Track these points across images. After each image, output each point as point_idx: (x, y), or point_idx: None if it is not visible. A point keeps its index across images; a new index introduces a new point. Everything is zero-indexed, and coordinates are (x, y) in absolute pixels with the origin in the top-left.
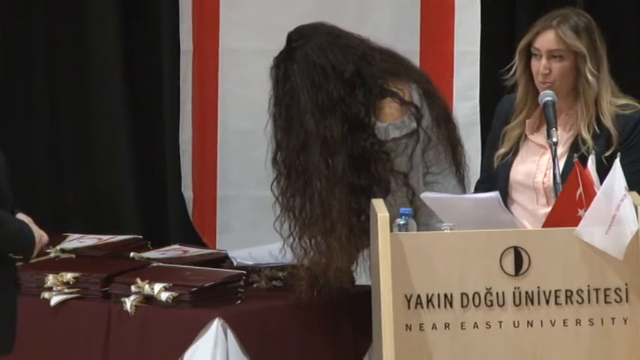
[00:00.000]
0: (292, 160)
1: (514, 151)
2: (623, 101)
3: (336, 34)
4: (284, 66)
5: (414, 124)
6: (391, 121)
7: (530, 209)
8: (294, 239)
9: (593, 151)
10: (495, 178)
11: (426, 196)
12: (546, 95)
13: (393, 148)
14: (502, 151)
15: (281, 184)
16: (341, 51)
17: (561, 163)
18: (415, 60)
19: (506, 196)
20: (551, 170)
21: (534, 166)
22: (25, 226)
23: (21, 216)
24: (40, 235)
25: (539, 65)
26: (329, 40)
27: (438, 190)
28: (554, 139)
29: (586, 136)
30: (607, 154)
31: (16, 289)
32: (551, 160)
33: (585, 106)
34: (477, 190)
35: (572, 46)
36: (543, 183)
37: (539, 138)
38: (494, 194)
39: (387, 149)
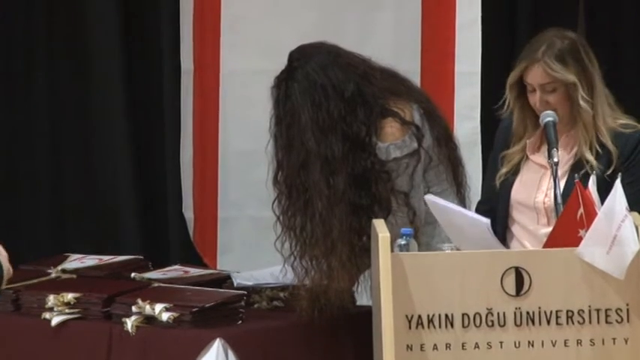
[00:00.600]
0: (293, 180)
1: (514, 171)
2: (623, 120)
3: (337, 53)
4: (285, 85)
5: (415, 144)
6: (392, 140)
7: (531, 229)
8: (295, 259)
9: (594, 172)
10: (496, 198)
11: (429, 198)
12: (547, 116)
13: (394, 167)
14: (503, 170)
15: (282, 203)
16: (342, 70)
17: (562, 184)
18: (416, 80)
19: (507, 216)
20: (552, 190)
21: (535, 186)
22: None
23: None
24: (8, 269)
25: (535, 99)
26: (330, 60)
27: None
28: (555, 159)
29: (589, 157)
30: (608, 172)
31: None
32: (551, 180)
33: (585, 128)
34: (478, 210)
35: (561, 78)
36: (544, 203)
37: (540, 158)
38: (486, 220)
39: (388, 169)
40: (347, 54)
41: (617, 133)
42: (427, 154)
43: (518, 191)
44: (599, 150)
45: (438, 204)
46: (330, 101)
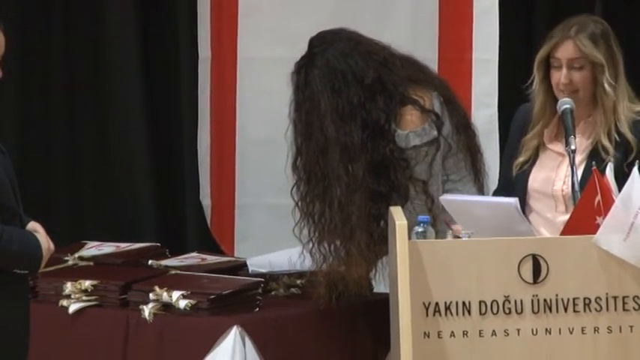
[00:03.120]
0: (312, 166)
1: (532, 160)
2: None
3: (357, 40)
4: (305, 71)
5: (435, 132)
6: (412, 128)
7: (549, 217)
8: (313, 245)
9: (612, 159)
10: (513, 185)
11: (444, 198)
12: (564, 103)
13: (413, 155)
14: (520, 159)
15: (301, 189)
16: (362, 57)
17: (580, 171)
18: (433, 68)
19: (524, 204)
20: (570, 178)
21: (553, 174)
22: (32, 239)
23: (32, 225)
24: (48, 247)
25: (559, 75)
26: (350, 46)
27: None
28: (573, 147)
29: (607, 143)
30: (627, 161)
31: (28, 300)
32: (569, 168)
33: (604, 114)
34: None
35: (590, 56)
36: (562, 191)
37: (558, 146)
38: (512, 200)
39: (407, 157)
40: (367, 41)
41: (635, 121)
42: (446, 142)
43: (536, 179)
44: (617, 138)
45: (455, 200)
46: (350, 88)
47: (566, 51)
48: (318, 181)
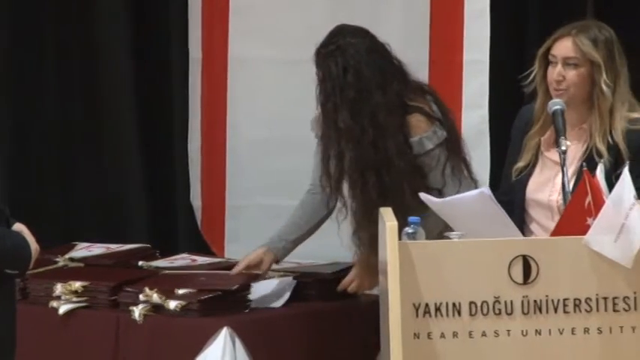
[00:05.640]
0: (361, 150)
1: (532, 165)
2: (634, 115)
3: (382, 42)
4: (342, 58)
5: (445, 132)
6: (421, 133)
7: (547, 226)
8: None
9: (602, 161)
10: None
11: (424, 197)
12: (555, 104)
13: (426, 162)
14: (520, 164)
15: (343, 169)
16: (389, 60)
17: (574, 179)
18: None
19: (523, 212)
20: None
21: (550, 185)
22: (22, 240)
23: (17, 226)
24: (35, 247)
25: (554, 72)
26: (379, 45)
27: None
28: (563, 148)
29: (601, 147)
30: (616, 172)
31: (15, 302)
32: (565, 178)
33: (600, 117)
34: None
35: (587, 54)
36: (557, 202)
37: (555, 155)
38: (484, 189)
39: (420, 163)
40: (386, 45)
41: (629, 130)
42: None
43: (533, 189)
44: (611, 142)
45: (436, 201)
46: (391, 84)
47: (563, 48)
48: (368, 168)
